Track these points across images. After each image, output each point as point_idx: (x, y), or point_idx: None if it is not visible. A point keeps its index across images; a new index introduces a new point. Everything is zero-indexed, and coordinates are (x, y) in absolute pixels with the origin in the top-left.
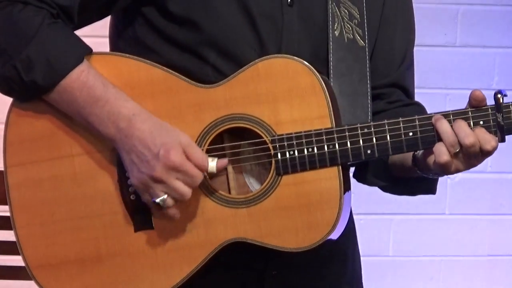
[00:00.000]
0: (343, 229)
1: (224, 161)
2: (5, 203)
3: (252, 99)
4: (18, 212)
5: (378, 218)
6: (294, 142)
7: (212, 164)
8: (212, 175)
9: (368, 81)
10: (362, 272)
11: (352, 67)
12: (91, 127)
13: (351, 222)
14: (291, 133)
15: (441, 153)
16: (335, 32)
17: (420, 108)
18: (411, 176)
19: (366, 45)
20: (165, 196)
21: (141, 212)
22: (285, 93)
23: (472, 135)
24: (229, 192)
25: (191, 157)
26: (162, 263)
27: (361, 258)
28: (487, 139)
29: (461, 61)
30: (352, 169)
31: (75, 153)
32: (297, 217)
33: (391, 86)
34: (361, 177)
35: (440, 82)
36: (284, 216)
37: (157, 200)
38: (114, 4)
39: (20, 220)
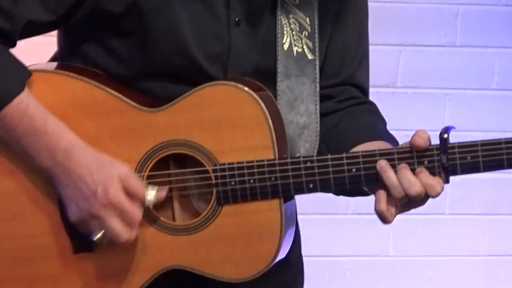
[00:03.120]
0: (283, 256)
1: (163, 193)
2: None
3: (195, 125)
4: None
5: (378, 218)
6: (236, 172)
7: (150, 197)
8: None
9: (316, 94)
10: (363, 272)
11: (300, 81)
12: (28, 158)
13: (296, 231)
14: (233, 163)
15: (381, 200)
16: (284, 45)
17: (371, 107)
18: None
19: (316, 57)
20: (101, 233)
21: (80, 235)
22: (229, 122)
23: (417, 184)
24: (174, 219)
25: (129, 189)
26: (100, 287)
27: (361, 258)
28: (432, 185)
29: (461, 61)
30: None
31: (18, 170)
32: (237, 247)
33: (342, 85)
34: None
35: (440, 82)
36: (224, 246)
37: (95, 239)
38: (57, 27)
39: None
